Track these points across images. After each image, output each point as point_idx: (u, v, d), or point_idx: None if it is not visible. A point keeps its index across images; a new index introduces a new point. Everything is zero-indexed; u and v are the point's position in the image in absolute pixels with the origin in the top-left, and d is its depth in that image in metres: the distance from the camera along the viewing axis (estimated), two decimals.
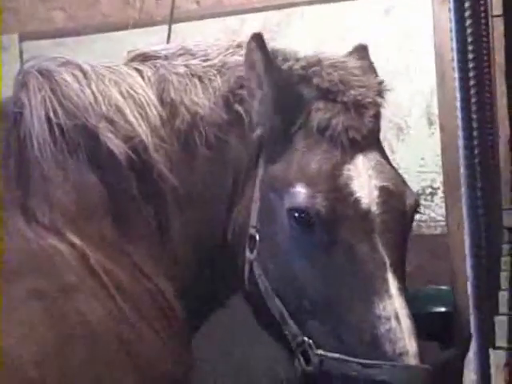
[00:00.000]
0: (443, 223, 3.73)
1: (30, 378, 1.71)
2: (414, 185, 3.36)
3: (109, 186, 2.04)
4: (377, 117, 2.05)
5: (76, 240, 1.94)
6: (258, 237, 2.02)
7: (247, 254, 2.04)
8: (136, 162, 2.04)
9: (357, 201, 1.90)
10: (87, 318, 1.84)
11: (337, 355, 1.85)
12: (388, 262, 1.86)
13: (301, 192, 1.92)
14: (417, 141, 3.93)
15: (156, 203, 2.09)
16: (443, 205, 3.77)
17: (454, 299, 2.47)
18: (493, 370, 1.48)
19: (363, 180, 1.93)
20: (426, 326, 2.03)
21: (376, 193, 1.92)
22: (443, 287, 2.66)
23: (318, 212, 1.88)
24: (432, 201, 3.88)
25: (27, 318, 1.76)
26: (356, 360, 1.82)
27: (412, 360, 1.77)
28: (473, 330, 1.41)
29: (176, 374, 1.99)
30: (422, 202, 3.66)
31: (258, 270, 2.01)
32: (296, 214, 1.90)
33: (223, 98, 2.11)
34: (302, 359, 1.92)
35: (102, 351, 1.85)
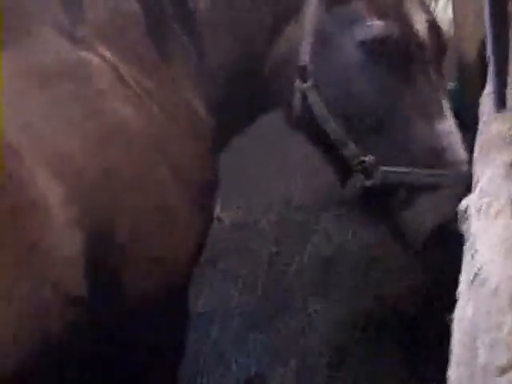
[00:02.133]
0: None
1: (81, 167, 1.74)
2: None
3: (143, 4, 2.08)
4: None
5: (108, 54, 1.98)
6: (311, 68, 2.16)
7: (297, 84, 2.17)
8: None
9: (416, 32, 2.16)
10: (123, 118, 1.89)
11: (401, 168, 2.08)
12: (441, 89, 2.17)
13: (376, 24, 2.13)
14: None
15: (191, 27, 2.14)
16: None
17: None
18: None
19: (418, 15, 2.18)
20: None
21: (426, 26, 2.18)
22: (453, 84, 2.72)
23: (393, 41, 2.12)
24: None
25: (71, 116, 1.81)
26: (421, 171, 2.07)
27: (467, 167, 1.98)
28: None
29: (204, 179, 2.08)
30: None
31: (313, 97, 2.15)
32: (370, 45, 2.12)
33: None
34: (362, 176, 2.11)
35: (139, 152, 1.89)
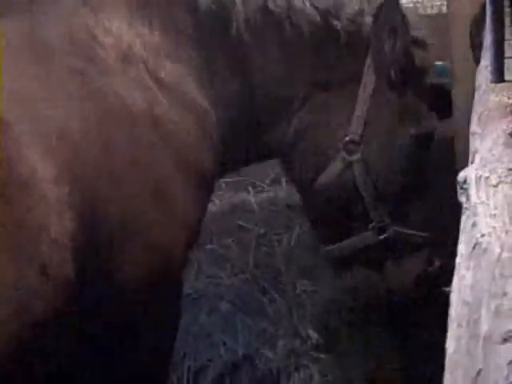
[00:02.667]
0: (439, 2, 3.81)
1: (78, 147, 1.68)
2: None
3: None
4: None
5: (122, 32, 1.94)
6: (360, 142, 2.45)
7: (343, 155, 2.45)
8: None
9: None
10: (127, 100, 1.85)
11: (406, 230, 2.56)
12: None
13: (430, 123, 2.57)
14: None
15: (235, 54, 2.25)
16: None
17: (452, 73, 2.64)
18: None
19: None
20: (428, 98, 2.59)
21: None
22: (441, 63, 2.85)
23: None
24: None
25: (70, 93, 1.75)
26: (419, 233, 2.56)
27: None
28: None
29: (209, 170, 2.10)
30: None
31: (360, 170, 2.46)
32: (419, 138, 2.51)
33: None
34: (376, 232, 2.54)
35: (141, 134, 1.87)
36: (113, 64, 1.86)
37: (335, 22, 2.32)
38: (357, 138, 2.43)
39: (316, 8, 2.30)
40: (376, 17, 2.34)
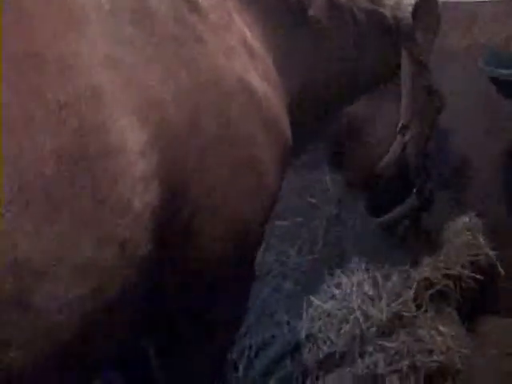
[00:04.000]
0: None
1: (169, 118, 1.58)
2: None
3: None
4: None
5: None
6: (409, 124, 2.85)
7: (400, 138, 2.86)
8: None
9: None
10: (219, 69, 1.78)
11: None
12: None
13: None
14: None
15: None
16: None
17: None
18: None
19: None
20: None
21: None
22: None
23: None
24: None
25: (165, 61, 1.65)
26: None
27: None
28: None
29: (290, 142, 2.08)
30: None
31: (410, 148, 2.89)
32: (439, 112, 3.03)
33: None
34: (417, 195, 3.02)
35: (233, 105, 1.79)
36: (207, 31, 1.79)
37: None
38: (407, 122, 2.84)
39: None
40: (415, 9, 2.68)
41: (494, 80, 3.08)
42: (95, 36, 1.50)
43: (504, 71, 3.03)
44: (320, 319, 2.99)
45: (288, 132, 2.04)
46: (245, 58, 1.88)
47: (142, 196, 1.45)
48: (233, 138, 1.76)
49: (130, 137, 1.46)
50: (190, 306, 1.83)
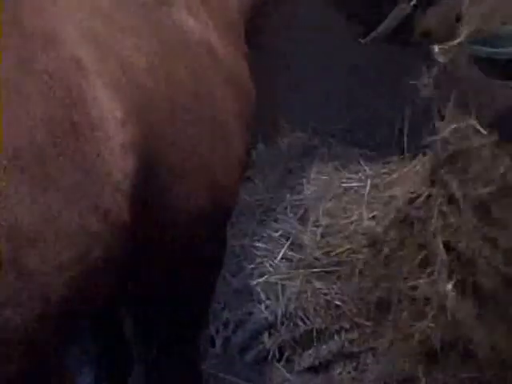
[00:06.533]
0: None
1: (144, 85, 1.63)
2: None
3: None
4: None
5: None
6: None
7: None
8: None
9: None
10: (186, 31, 1.83)
11: None
12: None
13: None
14: None
15: None
16: None
17: None
18: None
19: None
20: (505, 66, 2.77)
21: None
22: None
23: None
24: None
25: (135, 28, 1.70)
26: None
27: None
28: None
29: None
30: None
31: None
32: None
33: None
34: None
35: (200, 66, 1.84)
36: None
37: None
38: None
39: None
40: None
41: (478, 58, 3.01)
42: (75, 10, 1.56)
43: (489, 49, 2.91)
44: (297, 298, 3.02)
45: (250, 85, 2.07)
46: (203, 15, 1.91)
47: (122, 166, 1.50)
48: (203, 102, 1.81)
49: (110, 108, 1.50)
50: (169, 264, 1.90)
